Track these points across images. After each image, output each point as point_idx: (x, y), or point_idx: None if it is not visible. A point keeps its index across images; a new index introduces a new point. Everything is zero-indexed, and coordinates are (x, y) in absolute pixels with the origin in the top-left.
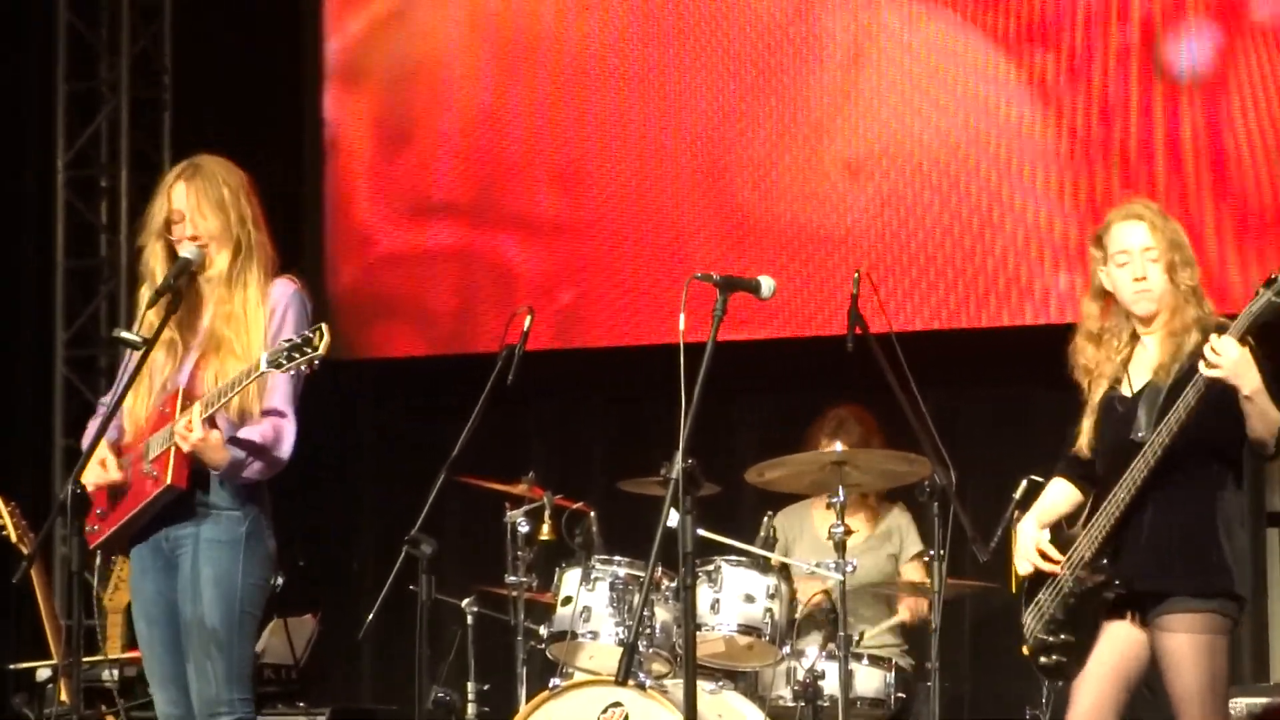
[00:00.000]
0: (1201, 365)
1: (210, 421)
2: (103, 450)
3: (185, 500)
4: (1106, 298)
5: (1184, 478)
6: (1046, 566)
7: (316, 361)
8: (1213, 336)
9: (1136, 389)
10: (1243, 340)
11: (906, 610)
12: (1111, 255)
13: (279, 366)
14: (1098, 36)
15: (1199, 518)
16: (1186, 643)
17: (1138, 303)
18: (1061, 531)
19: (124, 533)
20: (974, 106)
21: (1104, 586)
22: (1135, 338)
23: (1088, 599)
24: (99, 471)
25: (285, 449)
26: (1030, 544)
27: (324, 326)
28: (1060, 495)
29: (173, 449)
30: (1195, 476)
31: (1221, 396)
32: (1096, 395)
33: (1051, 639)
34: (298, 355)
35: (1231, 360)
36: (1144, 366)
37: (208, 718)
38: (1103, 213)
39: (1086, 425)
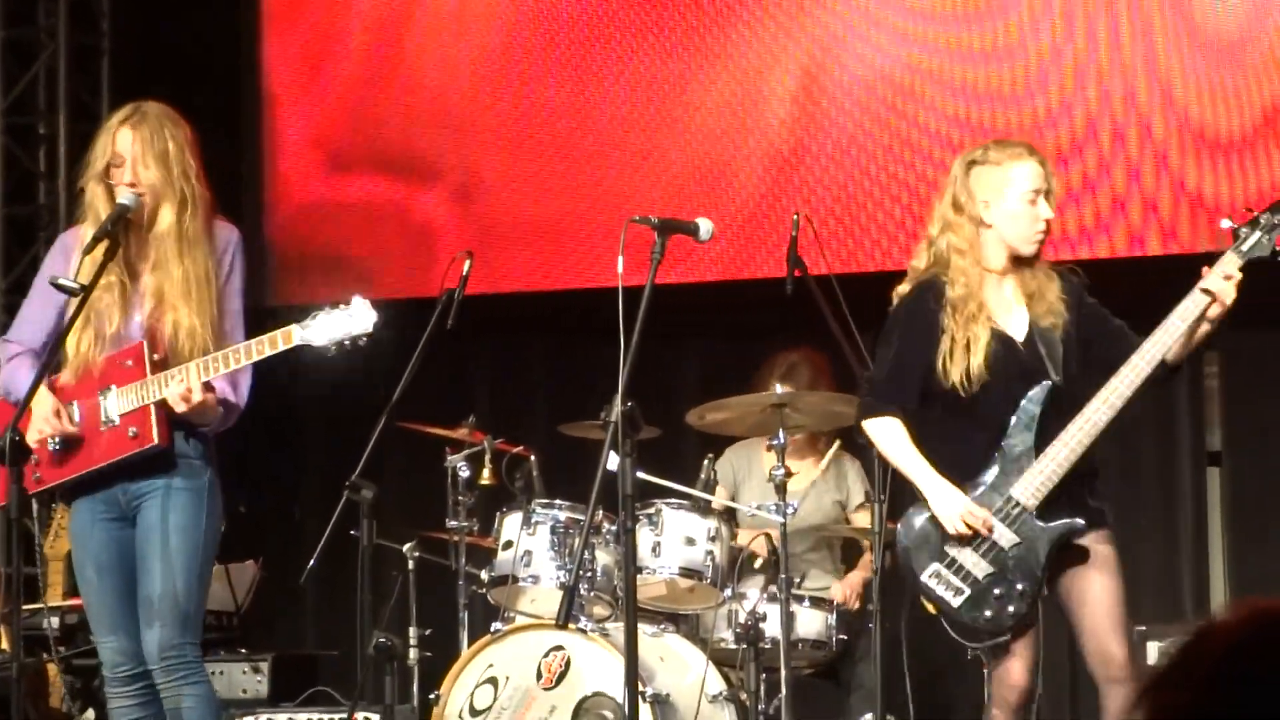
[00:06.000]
0: (1213, 290)
1: (205, 384)
2: (52, 401)
3: (159, 455)
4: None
5: (1083, 423)
6: (980, 527)
7: (363, 340)
8: (1230, 264)
9: (1019, 329)
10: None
11: (839, 593)
12: (1020, 194)
13: (324, 349)
14: None
15: (1092, 460)
16: (1112, 553)
17: (1033, 244)
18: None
19: (75, 483)
20: (917, 45)
21: (1068, 533)
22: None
23: (1043, 549)
24: (54, 423)
25: (243, 395)
26: (959, 509)
27: (368, 302)
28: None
29: (153, 408)
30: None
31: (1084, 343)
32: (976, 328)
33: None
34: (339, 333)
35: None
36: (1008, 305)
37: (159, 660)
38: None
39: (967, 356)
